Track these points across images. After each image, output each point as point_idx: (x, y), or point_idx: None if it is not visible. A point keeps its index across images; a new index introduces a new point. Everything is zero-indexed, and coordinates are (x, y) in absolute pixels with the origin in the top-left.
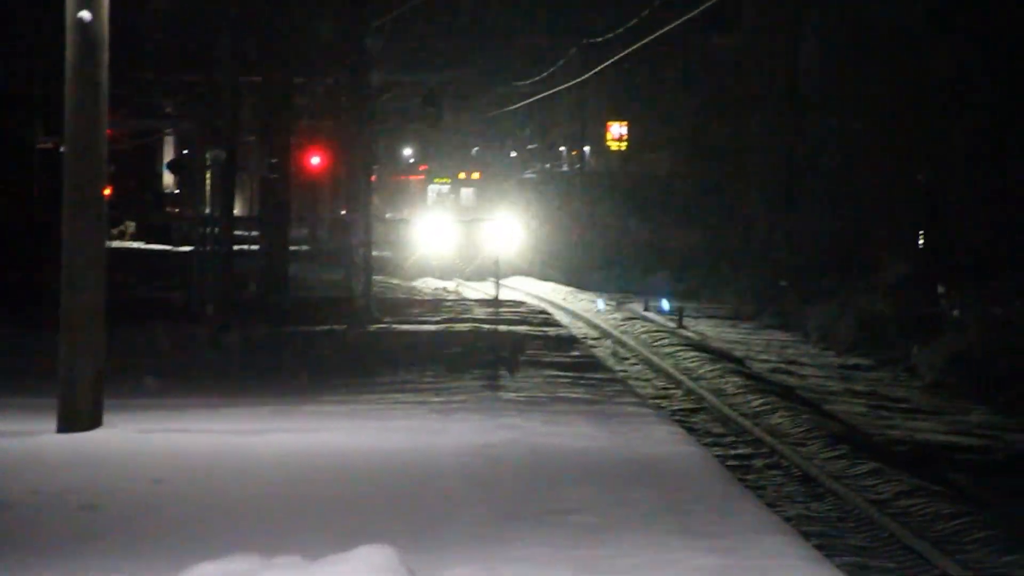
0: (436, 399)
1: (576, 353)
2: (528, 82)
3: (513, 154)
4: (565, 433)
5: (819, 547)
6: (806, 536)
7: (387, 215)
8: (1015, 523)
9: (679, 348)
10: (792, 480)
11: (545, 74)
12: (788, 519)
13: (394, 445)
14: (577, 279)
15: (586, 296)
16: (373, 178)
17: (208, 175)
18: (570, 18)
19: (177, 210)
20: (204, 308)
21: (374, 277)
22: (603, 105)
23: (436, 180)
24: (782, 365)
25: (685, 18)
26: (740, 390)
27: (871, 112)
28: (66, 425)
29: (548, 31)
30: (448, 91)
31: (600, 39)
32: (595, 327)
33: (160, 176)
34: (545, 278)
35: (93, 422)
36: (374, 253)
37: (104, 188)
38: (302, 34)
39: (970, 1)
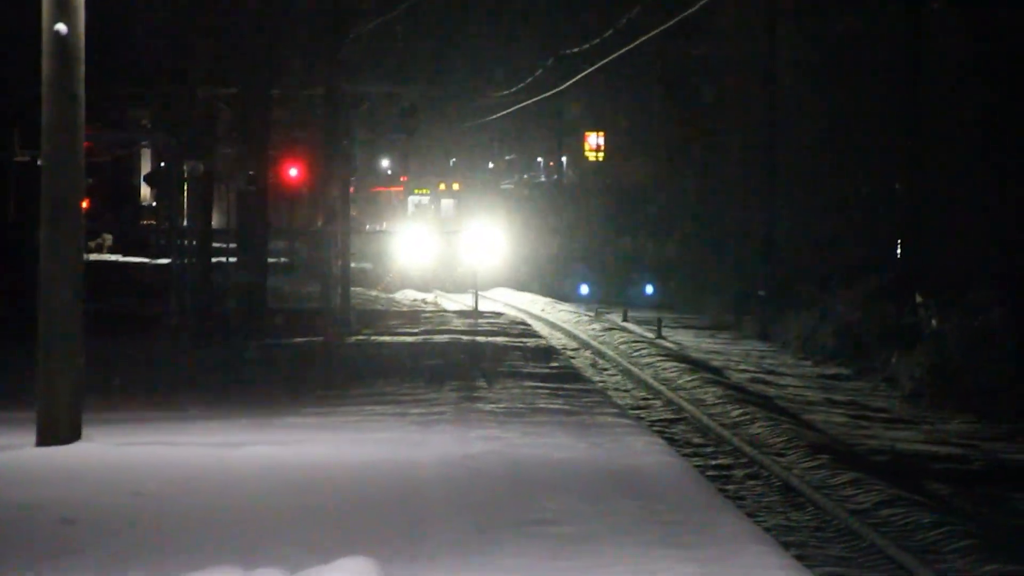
0: (415, 410)
1: (555, 364)
2: (505, 93)
3: (491, 165)
4: (545, 444)
5: (799, 557)
6: (786, 546)
7: (366, 227)
8: (994, 532)
9: (658, 358)
10: (772, 490)
11: (522, 85)
12: (768, 529)
13: (374, 457)
14: (556, 290)
15: (565, 307)
16: (351, 190)
17: (185, 188)
18: (547, 29)
19: (155, 223)
20: (182, 321)
21: (353, 289)
22: (581, 115)
23: (416, 191)
24: (761, 375)
25: (660, 29)
26: (719, 400)
27: (846, 122)
28: (45, 439)
29: (525, 42)
30: (425, 102)
31: (576, 50)
32: (574, 338)
33: (138, 189)
34: (525, 289)
35: (72, 435)
36: (353, 265)
37: (82, 201)
38: (278, 46)
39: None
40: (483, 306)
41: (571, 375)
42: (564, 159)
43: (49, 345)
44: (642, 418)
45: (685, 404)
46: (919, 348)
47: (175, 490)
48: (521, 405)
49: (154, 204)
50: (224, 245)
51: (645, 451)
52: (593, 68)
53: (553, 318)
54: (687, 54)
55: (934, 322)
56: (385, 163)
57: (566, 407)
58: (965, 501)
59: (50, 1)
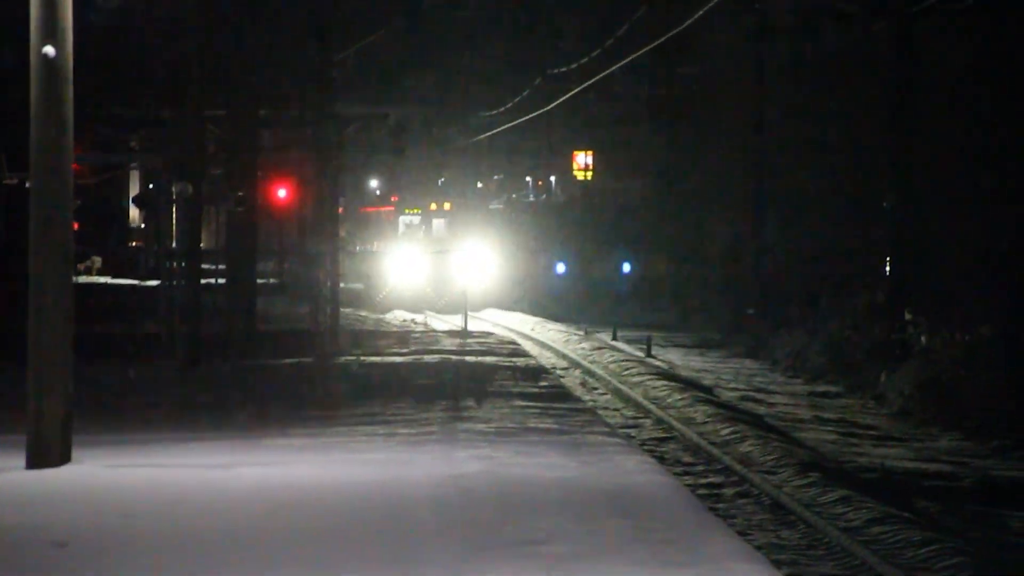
0: (406, 431)
1: (545, 383)
2: (494, 112)
3: (479, 184)
4: (536, 464)
5: (790, 575)
6: (777, 564)
7: (357, 247)
8: (985, 550)
9: (648, 377)
10: (762, 508)
11: (510, 104)
12: (759, 547)
13: (365, 477)
14: (545, 309)
15: (554, 327)
16: (340, 210)
17: (174, 209)
18: (535, 49)
19: (143, 244)
20: (171, 342)
21: (343, 310)
22: (569, 135)
23: (407, 211)
24: (751, 393)
25: (645, 48)
26: (709, 419)
27: (834, 139)
28: (35, 461)
29: (513, 62)
30: (414, 123)
31: (564, 69)
32: (563, 357)
33: (126, 210)
34: (515, 309)
35: (62, 458)
36: (343, 285)
37: (70, 223)
38: (267, 67)
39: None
40: (473, 326)
41: (561, 394)
42: (553, 178)
43: (39, 367)
44: (632, 437)
45: (675, 423)
46: (908, 365)
47: (165, 512)
48: (511, 425)
49: (143, 226)
50: (213, 266)
51: (636, 470)
52: (580, 88)
53: (543, 337)
54: (675, 73)
55: (923, 339)
56: (374, 183)
57: (556, 426)
58: (955, 518)
59: (38, 24)
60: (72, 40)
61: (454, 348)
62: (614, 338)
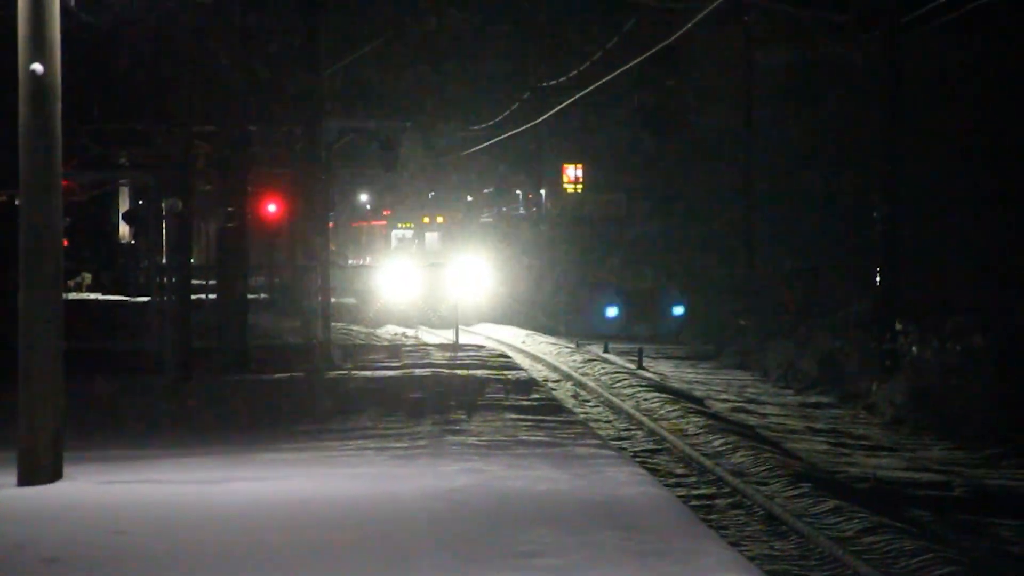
0: (397, 444)
1: (537, 396)
2: (484, 126)
3: (469, 198)
4: (528, 476)
5: None
6: (770, 575)
7: (349, 261)
8: (977, 558)
9: (639, 389)
10: (755, 519)
11: (500, 118)
12: (752, 558)
13: (356, 491)
14: (538, 322)
15: (546, 339)
16: (331, 225)
17: (164, 225)
18: (525, 63)
19: (134, 260)
20: (162, 358)
21: (335, 324)
22: (559, 148)
23: (399, 225)
24: (742, 404)
25: (634, 62)
26: (701, 430)
27: (822, 151)
28: (26, 478)
29: (503, 76)
30: (405, 137)
31: (553, 82)
32: (555, 369)
33: (116, 226)
34: (508, 322)
35: (54, 475)
36: (335, 300)
37: (61, 240)
38: (257, 82)
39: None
40: (465, 339)
41: (553, 407)
42: (543, 191)
43: (29, 384)
44: (624, 449)
45: (667, 434)
46: (899, 375)
47: (158, 528)
48: (503, 438)
49: (133, 242)
50: (204, 282)
51: (628, 482)
52: (569, 101)
53: (534, 350)
54: (662, 85)
55: (914, 349)
56: (364, 198)
57: (548, 439)
58: (947, 528)
59: (26, 40)
60: (60, 57)
61: (445, 361)
62: (605, 351)
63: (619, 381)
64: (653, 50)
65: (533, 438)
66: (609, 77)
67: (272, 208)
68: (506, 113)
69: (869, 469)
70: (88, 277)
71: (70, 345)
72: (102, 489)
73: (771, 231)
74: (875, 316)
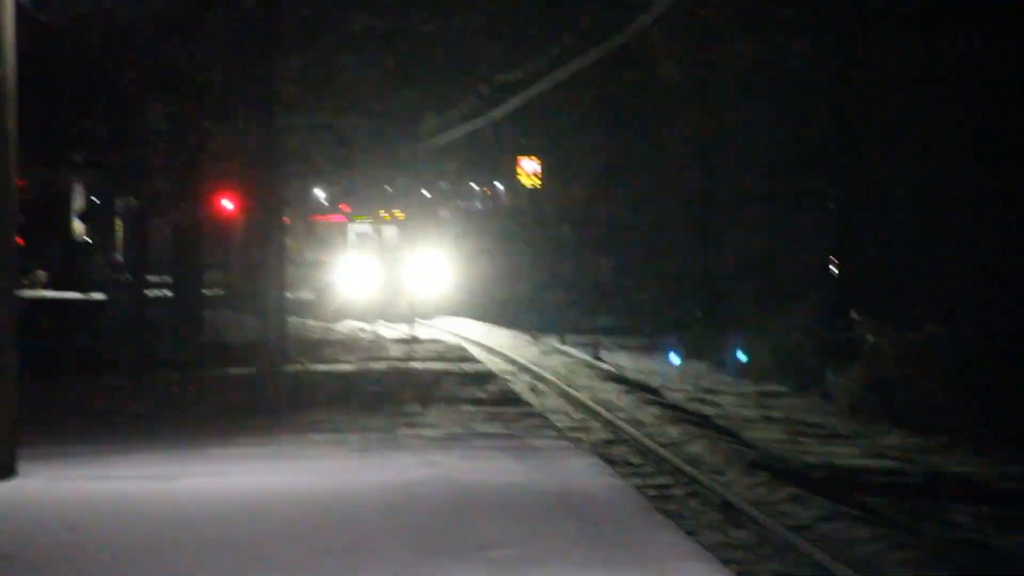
0: (354, 438)
1: (493, 388)
2: (440, 120)
3: (427, 193)
4: (485, 468)
5: (740, 574)
6: (727, 563)
7: (306, 257)
8: (933, 544)
9: (596, 380)
10: (712, 508)
11: (456, 111)
12: (708, 547)
13: (313, 485)
14: (495, 315)
15: (503, 332)
16: (287, 220)
17: (119, 223)
18: (483, 57)
19: (89, 258)
20: (118, 355)
21: (292, 320)
22: (517, 141)
23: (357, 219)
24: (699, 394)
25: (591, 55)
26: (658, 420)
27: (780, 141)
28: None
29: (461, 71)
30: (361, 132)
31: (509, 77)
32: (512, 362)
33: (71, 224)
34: (467, 316)
35: (7, 472)
36: (292, 296)
37: (15, 239)
38: (211, 79)
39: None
40: (423, 333)
41: (509, 399)
42: (500, 185)
43: None
44: (581, 440)
45: (624, 425)
46: (855, 364)
47: (112, 524)
48: (460, 430)
49: (88, 240)
50: (159, 278)
51: (584, 472)
52: (524, 94)
53: (491, 343)
54: (621, 79)
55: (870, 338)
56: (321, 193)
57: (505, 431)
58: (903, 514)
59: None
60: (15, 58)
61: (402, 355)
62: (562, 342)
63: (576, 373)
64: (609, 44)
65: (490, 430)
66: (566, 71)
67: (227, 205)
68: (463, 107)
69: (825, 457)
70: (43, 275)
71: (24, 343)
72: (56, 486)
73: (728, 222)
74: (832, 306)
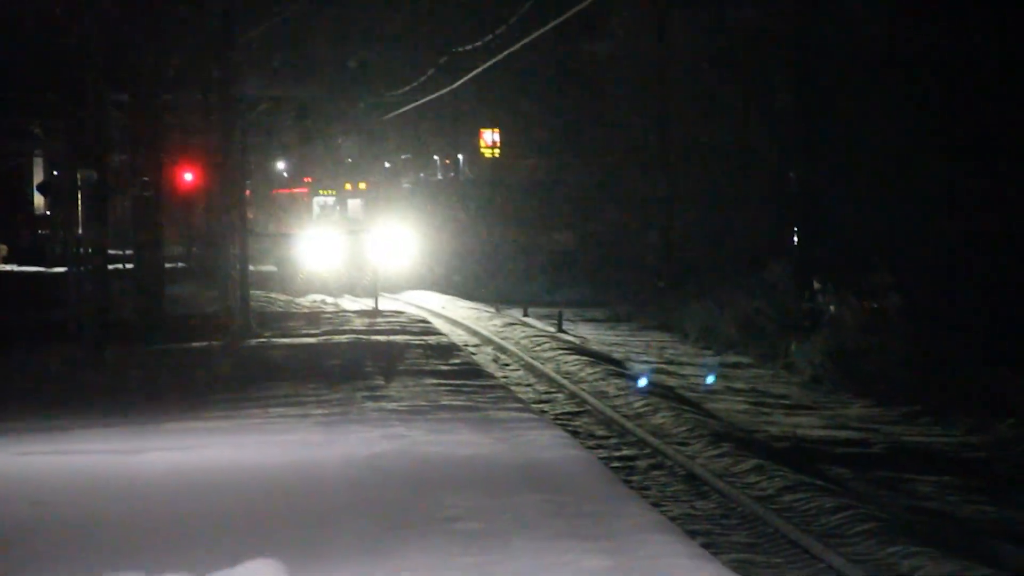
0: (318, 411)
1: (457, 361)
2: (400, 92)
3: (387, 164)
4: (449, 441)
5: (705, 545)
6: (692, 534)
7: (269, 229)
8: (896, 515)
9: (560, 352)
10: (676, 479)
11: (416, 83)
12: (673, 518)
13: (278, 459)
14: (458, 288)
15: (465, 304)
16: (248, 192)
17: (80, 196)
18: (442, 27)
19: (50, 231)
20: (80, 328)
21: (255, 292)
22: (476, 112)
23: (321, 192)
24: (663, 365)
25: (551, 24)
26: (622, 392)
27: (738, 113)
28: None
29: (420, 41)
30: (320, 104)
31: (469, 47)
32: (475, 334)
33: (31, 198)
34: (430, 288)
35: None
36: (255, 269)
37: None
38: (169, 51)
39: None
40: (386, 306)
41: (473, 371)
42: (460, 156)
43: None
44: (545, 412)
45: (588, 397)
46: (818, 334)
47: (76, 498)
48: (424, 403)
49: (48, 213)
50: (121, 252)
51: (549, 445)
52: (485, 66)
53: (454, 315)
54: (580, 50)
55: (832, 308)
56: (281, 165)
57: (469, 403)
58: (867, 484)
59: None
60: None
61: (365, 328)
62: (525, 314)
63: (539, 344)
64: (568, 14)
65: (454, 403)
66: (525, 40)
67: (188, 177)
68: (423, 79)
69: (789, 428)
70: (4, 249)
71: None
72: (19, 460)
73: (689, 191)
74: (794, 276)
